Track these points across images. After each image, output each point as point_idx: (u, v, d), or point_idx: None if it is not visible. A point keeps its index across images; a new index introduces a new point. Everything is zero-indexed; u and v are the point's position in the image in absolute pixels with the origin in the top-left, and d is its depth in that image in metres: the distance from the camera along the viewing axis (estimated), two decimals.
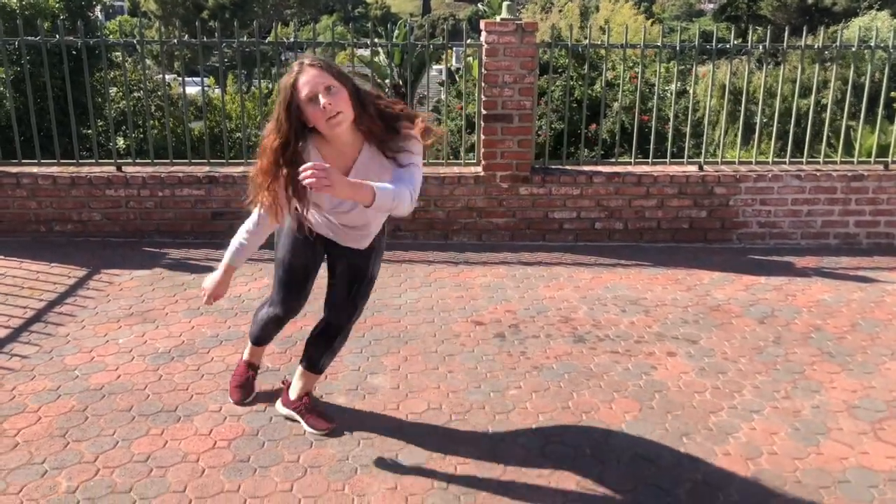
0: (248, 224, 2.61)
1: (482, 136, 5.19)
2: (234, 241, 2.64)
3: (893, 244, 5.44)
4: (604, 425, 2.97)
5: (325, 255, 2.79)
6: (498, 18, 5.03)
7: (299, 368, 2.93)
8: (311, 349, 2.88)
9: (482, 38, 5.09)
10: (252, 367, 3.14)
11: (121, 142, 13.53)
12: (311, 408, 2.91)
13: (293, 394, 2.94)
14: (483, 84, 5.10)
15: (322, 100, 2.21)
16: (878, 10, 24.03)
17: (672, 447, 2.82)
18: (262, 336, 3.04)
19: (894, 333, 3.90)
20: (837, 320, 4.06)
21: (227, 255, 2.65)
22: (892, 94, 6.03)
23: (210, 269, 4.64)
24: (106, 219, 5.24)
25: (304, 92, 2.23)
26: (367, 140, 2.40)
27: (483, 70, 5.07)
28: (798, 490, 2.57)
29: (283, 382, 3.08)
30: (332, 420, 2.89)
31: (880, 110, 5.53)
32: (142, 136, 5.69)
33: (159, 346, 3.61)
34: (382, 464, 2.69)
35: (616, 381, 3.35)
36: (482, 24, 5.08)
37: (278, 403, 2.99)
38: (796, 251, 5.29)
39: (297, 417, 2.90)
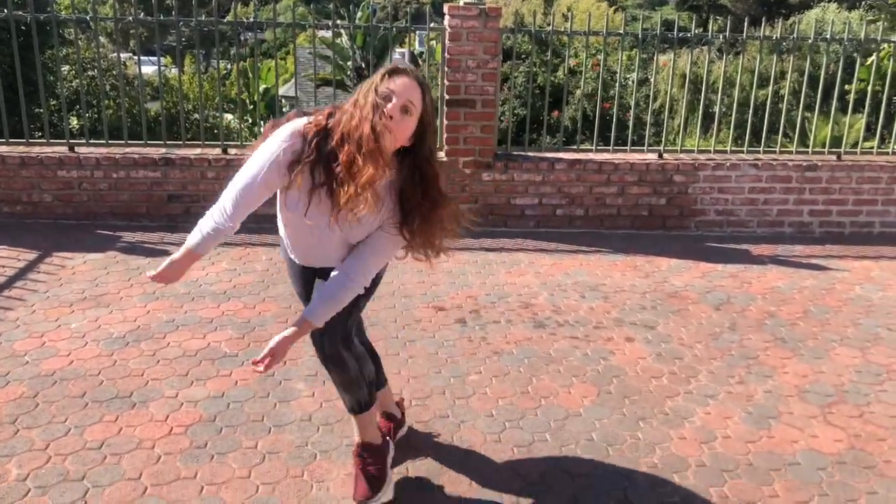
0: (225, 208, 2.11)
1: (445, 122, 5.17)
2: (206, 225, 2.13)
3: (844, 233, 5.58)
4: (563, 410, 3.00)
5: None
6: (461, 2, 5.00)
7: None
8: None
9: (445, 22, 5.06)
10: (388, 417, 2.71)
11: (74, 122, 13.19)
12: (361, 467, 2.43)
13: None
14: (446, 69, 5.07)
15: (390, 105, 1.98)
16: (828, 1, 24.55)
17: (629, 431, 2.86)
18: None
19: (843, 319, 4.01)
20: (790, 307, 4.15)
21: (194, 239, 2.15)
22: (847, 86, 6.16)
23: (166, 253, 4.55)
24: (57, 200, 5.10)
25: (389, 85, 1.99)
26: (397, 170, 2.11)
27: (446, 55, 5.04)
28: (750, 472, 2.63)
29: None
30: (370, 493, 2.38)
31: (834, 102, 5.65)
32: (96, 116, 5.52)
33: (113, 330, 3.54)
34: (342, 450, 2.67)
35: (575, 366, 3.38)
36: (446, 7, 5.04)
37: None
38: (752, 239, 5.40)
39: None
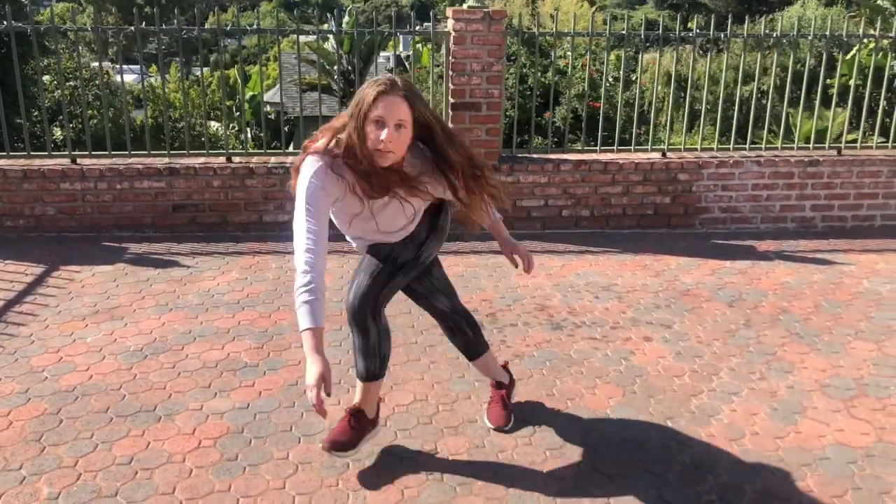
0: (304, 264, 2.16)
1: (449, 125, 5.16)
2: (303, 298, 2.13)
3: (847, 227, 5.63)
4: (590, 412, 3.00)
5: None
6: (465, 6, 5.00)
7: None
8: None
9: (449, 26, 5.06)
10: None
11: (57, 132, 13.07)
12: (349, 425, 2.60)
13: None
14: (451, 72, 5.07)
15: (384, 133, 2.18)
16: None
17: (658, 431, 2.87)
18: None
19: (855, 313, 4.04)
20: (802, 302, 4.18)
21: (305, 317, 2.13)
22: (829, 80, 6.22)
23: (175, 264, 4.58)
24: (61, 213, 5.05)
25: (376, 111, 2.18)
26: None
27: (451, 58, 5.04)
28: (782, 468, 2.64)
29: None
30: (341, 448, 2.57)
31: (818, 97, 5.72)
32: (79, 126, 5.46)
33: (130, 343, 3.50)
34: (375, 458, 2.66)
35: (597, 367, 3.39)
36: (449, 11, 5.04)
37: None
38: (756, 235, 5.43)
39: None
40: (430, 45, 7.26)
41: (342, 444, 2.57)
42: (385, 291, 2.53)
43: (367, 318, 2.49)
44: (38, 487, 2.45)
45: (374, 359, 2.55)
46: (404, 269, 2.55)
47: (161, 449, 2.68)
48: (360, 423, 2.61)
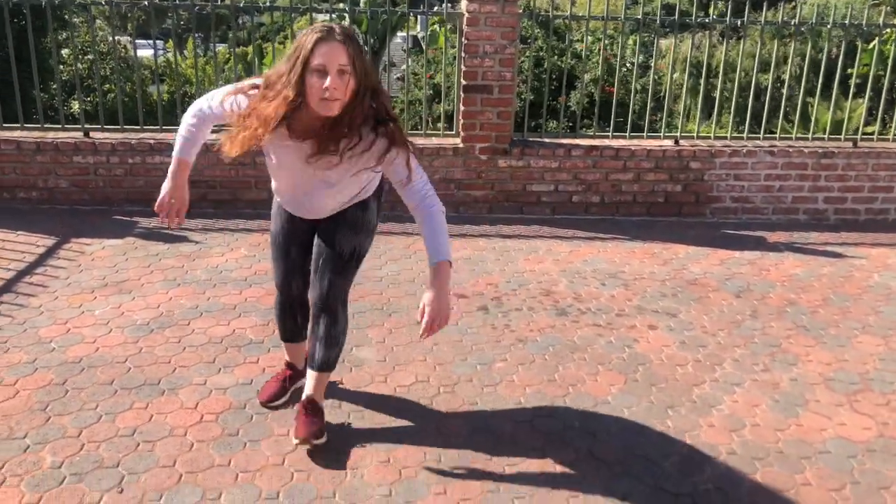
0: (191, 117, 2.41)
1: (461, 108, 5.15)
2: (181, 134, 2.42)
3: (859, 220, 5.57)
4: (591, 398, 3.01)
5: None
6: None
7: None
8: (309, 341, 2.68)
9: (463, 7, 5.02)
10: (290, 367, 2.93)
11: (75, 106, 13.12)
12: (304, 417, 2.59)
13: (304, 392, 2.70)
14: (463, 54, 5.04)
15: (328, 80, 2.10)
16: None
17: (659, 419, 2.87)
18: (281, 329, 2.86)
19: (864, 307, 4.01)
20: (810, 294, 4.16)
21: (177, 148, 2.41)
22: (849, 70, 6.14)
23: (184, 239, 4.60)
24: (73, 186, 5.08)
25: (316, 60, 2.11)
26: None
27: (464, 40, 5.00)
28: (781, 461, 2.64)
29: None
30: (312, 436, 2.55)
31: (835, 86, 5.65)
32: (97, 99, 5.47)
33: (137, 317, 3.53)
34: (374, 436, 2.68)
35: (600, 353, 3.39)
36: None
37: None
38: (767, 226, 5.39)
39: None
40: (447, 27, 7.21)
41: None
42: (350, 282, 2.68)
43: (338, 308, 2.60)
44: (42, 456, 2.49)
45: (336, 348, 2.61)
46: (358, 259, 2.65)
47: (164, 422, 2.72)
48: (317, 410, 2.62)
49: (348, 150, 2.24)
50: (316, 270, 2.57)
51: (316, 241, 2.60)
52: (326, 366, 2.60)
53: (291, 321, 2.81)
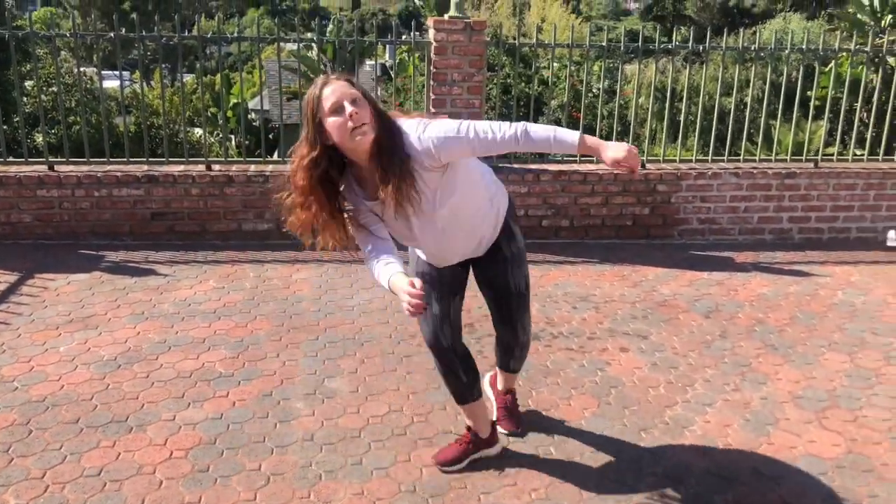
0: (369, 256, 2.32)
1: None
2: (378, 270, 2.29)
3: (823, 239, 5.68)
4: (565, 422, 3.01)
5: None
6: (447, 16, 5.02)
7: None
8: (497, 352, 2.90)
9: (430, 36, 5.07)
10: (469, 431, 2.72)
11: (39, 139, 12.97)
12: (508, 407, 2.95)
13: (499, 384, 3.00)
14: (432, 82, 5.09)
15: (348, 108, 2.09)
16: (792, 12, 25.12)
17: (632, 442, 2.88)
18: (450, 388, 2.68)
19: (830, 325, 4.08)
20: (778, 313, 4.21)
21: (383, 279, 2.26)
22: (808, 92, 6.30)
23: (152, 272, 4.54)
24: (37, 220, 5.00)
25: (328, 104, 2.10)
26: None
27: (432, 68, 5.05)
28: (754, 479, 2.66)
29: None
30: (520, 425, 2.92)
31: (795, 108, 5.79)
32: (62, 132, 5.40)
33: (104, 353, 3.47)
34: (347, 469, 2.65)
35: (573, 377, 3.40)
36: (430, 21, 5.06)
37: (486, 379, 3.10)
38: (734, 246, 5.47)
39: (494, 406, 2.99)
40: (416, 55, 7.27)
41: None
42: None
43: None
44: (5, 499, 2.42)
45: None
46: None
47: (132, 460, 2.66)
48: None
49: (411, 169, 2.18)
50: (499, 316, 2.73)
51: (486, 291, 2.71)
52: (515, 371, 2.91)
53: (454, 379, 2.63)
